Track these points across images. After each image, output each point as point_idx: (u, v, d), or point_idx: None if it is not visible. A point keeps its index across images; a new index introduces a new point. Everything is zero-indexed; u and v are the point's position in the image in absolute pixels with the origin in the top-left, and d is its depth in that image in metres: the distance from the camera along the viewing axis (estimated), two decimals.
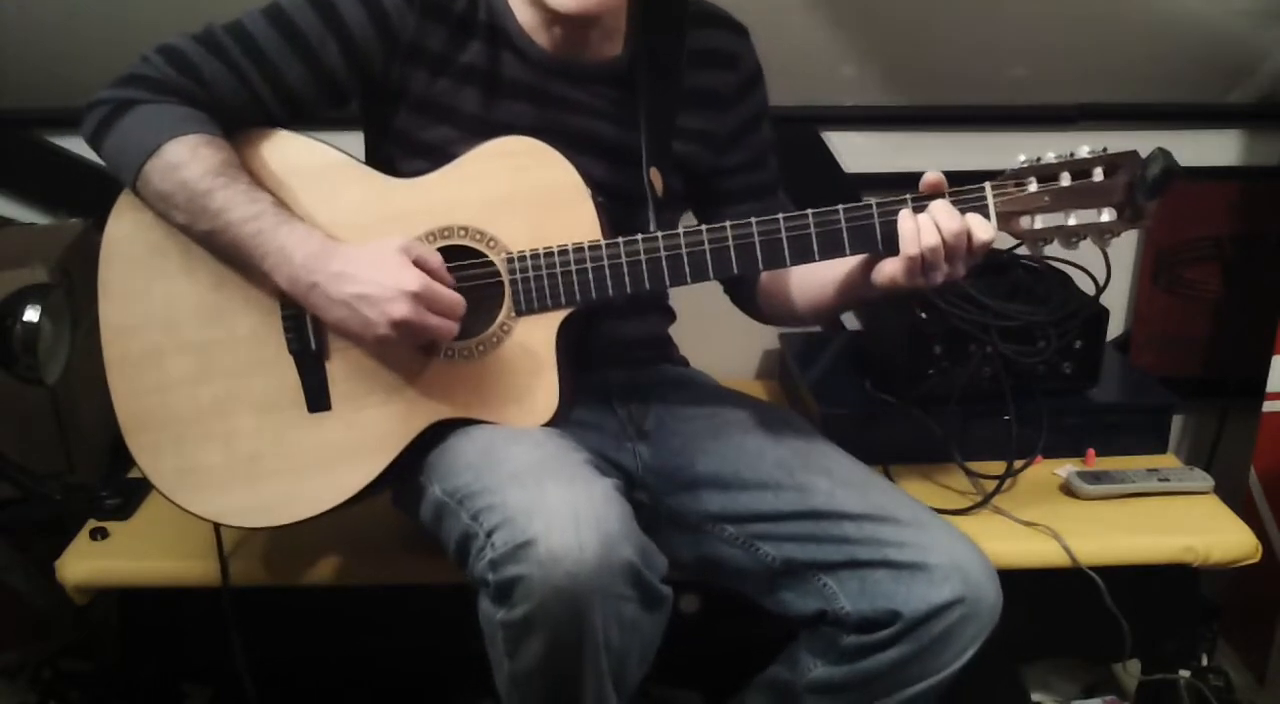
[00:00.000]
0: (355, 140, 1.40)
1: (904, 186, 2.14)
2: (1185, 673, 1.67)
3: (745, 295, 1.52)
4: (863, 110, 2.04)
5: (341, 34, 1.28)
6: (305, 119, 1.34)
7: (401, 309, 1.19)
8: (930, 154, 2.04)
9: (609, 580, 1.10)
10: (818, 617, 1.32)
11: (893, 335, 1.75)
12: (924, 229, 1.18)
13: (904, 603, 1.24)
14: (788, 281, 1.43)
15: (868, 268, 1.26)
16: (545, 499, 1.12)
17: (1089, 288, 1.73)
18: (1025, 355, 1.70)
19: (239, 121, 1.30)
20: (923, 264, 1.19)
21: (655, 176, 1.36)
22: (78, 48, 1.77)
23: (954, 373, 1.70)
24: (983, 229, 1.19)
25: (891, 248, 1.21)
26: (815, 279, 1.38)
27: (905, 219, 1.19)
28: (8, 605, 1.82)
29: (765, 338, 2.12)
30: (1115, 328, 2.12)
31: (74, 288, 1.60)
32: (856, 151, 2.06)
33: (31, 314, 1.49)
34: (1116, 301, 2.14)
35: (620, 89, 1.36)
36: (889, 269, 1.21)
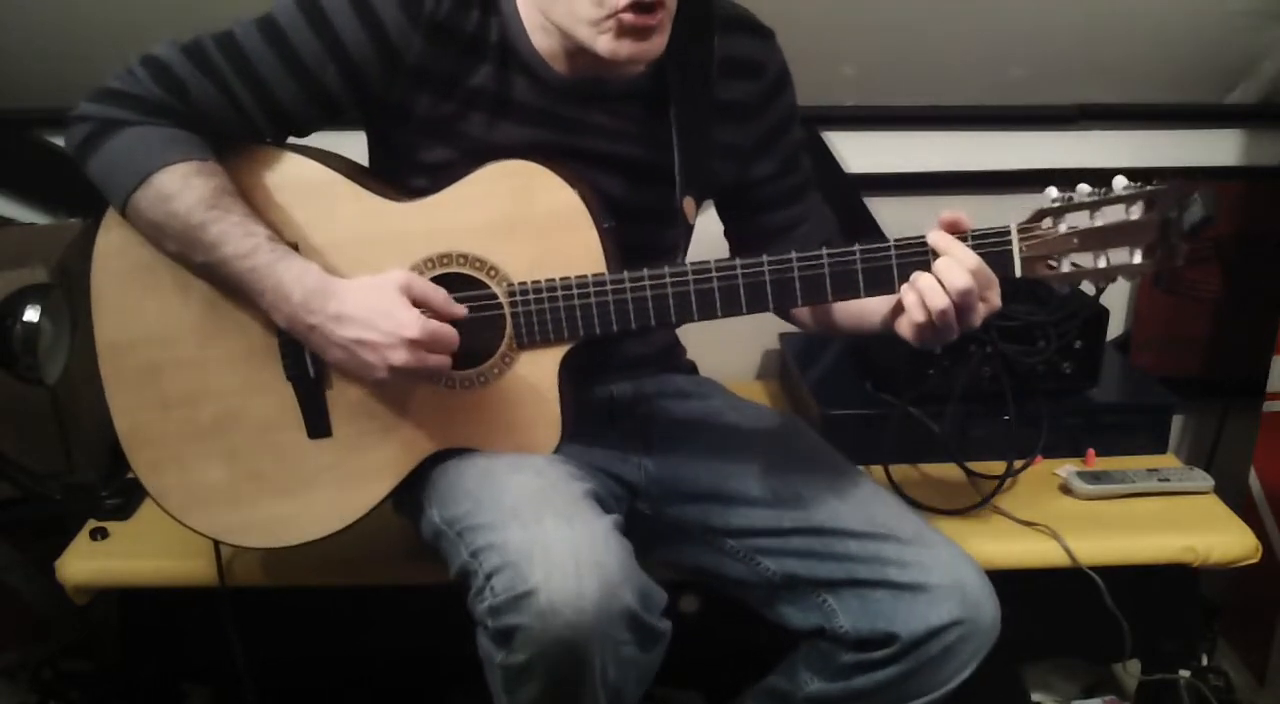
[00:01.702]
0: (358, 140, 1.38)
1: (904, 186, 2.15)
2: (1185, 673, 1.67)
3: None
4: (863, 110, 2.04)
5: (339, 55, 1.22)
6: (297, 134, 1.31)
7: (401, 356, 1.17)
8: (930, 154, 2.04)
9: (608, 627, 1.09)
10: (816, 632, 1.32)
11: (893, 335, 1.75)
12: (928, 291, 1.12)
13: (903, 624, 1.24)
14: (823, 313, 1.39)
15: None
16: (545, 541, 1.10)
17: (1089, 288, 1.72)
18: (1025, 355, 1.70)
19: (227, 138, 1.26)
20: (933, 328, 1.14)
21: (689, 205, 1.32)
22: (78, 48, 1.77)
23: (954, 373, 1.70)
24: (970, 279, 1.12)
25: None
26: (856, 316, 1.34)
27: (906, 291, 1.14)
28: (8, 605, 1.82)
29: (765, 338, 2.12)
30: (1115, 328, 2.12)
31: (74, 288, 1.60)
32: (856, 151, 2.06)
33: (31, 314, 1.49)
34: (1116, 302, 2.13)
35: (645, 107, 1.31)
36: (902, 329, 1.17)
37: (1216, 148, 2.09)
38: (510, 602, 1.09)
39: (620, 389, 1.46)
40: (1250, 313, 2.07)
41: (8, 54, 1.86)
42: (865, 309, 1.30)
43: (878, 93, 2.02)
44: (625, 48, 1.18)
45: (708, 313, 1.22)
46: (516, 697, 1.14)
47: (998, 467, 1.65)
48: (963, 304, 1.12)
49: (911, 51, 1.94)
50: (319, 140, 1.33)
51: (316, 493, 1.31)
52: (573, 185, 1.23)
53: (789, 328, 1.53)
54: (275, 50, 1.23)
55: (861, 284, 1.18)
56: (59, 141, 1.93)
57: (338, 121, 1.31)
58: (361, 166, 1.36)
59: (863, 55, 1.94)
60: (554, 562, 1.08)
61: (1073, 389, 1.78)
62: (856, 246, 1.17)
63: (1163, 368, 2.13)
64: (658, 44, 1.20)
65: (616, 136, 1.31)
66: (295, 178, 1.28)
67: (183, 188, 1.20)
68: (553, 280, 1.23)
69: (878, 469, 1.63)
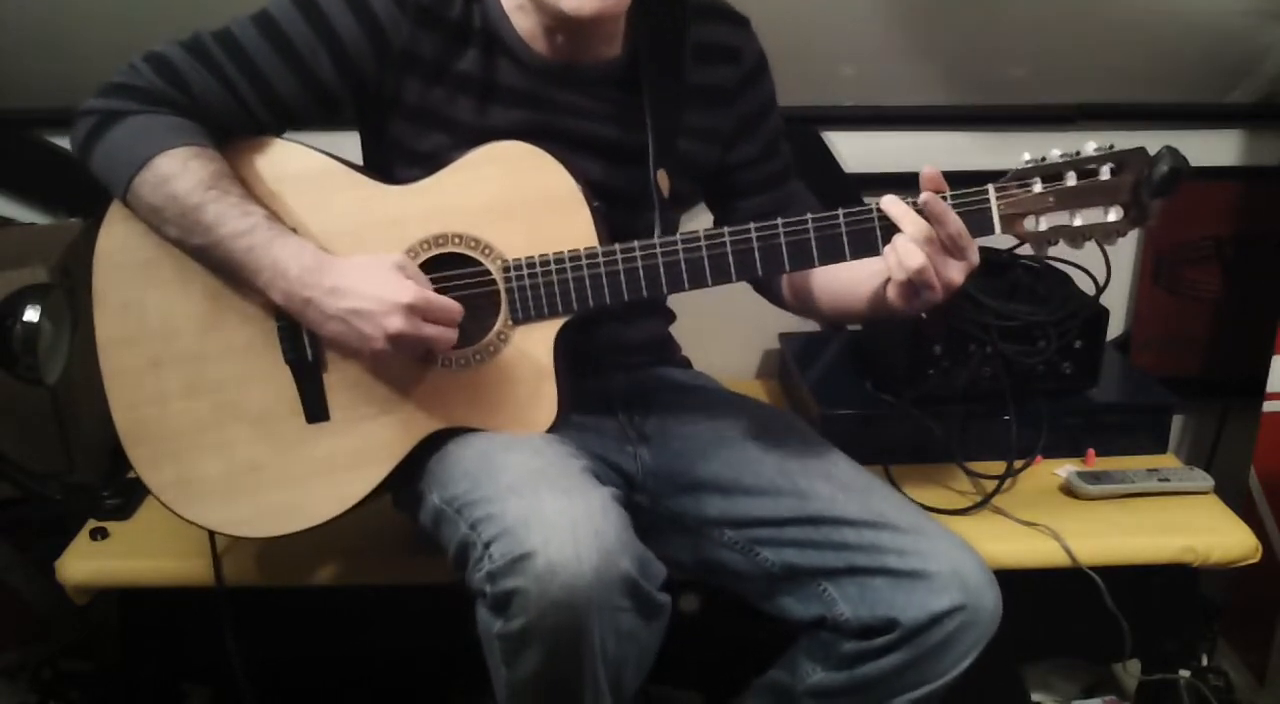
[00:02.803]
0: (352, 140, 1.39)
1: (904, 187, 2.14)
2: (1185, 673, 1.67)
3: (769, 289, 1.49)
4: (863, 110, 2.04)
5: (333, 43, 1.26)
6: (297, 128, 1.33)
7: (397, 323, 1.18)
8: (930, 154, 2.03)
9: (606, 593, 1.10)
10: (817, 622, 1.32)
11: (893, 335, 1.75)
12: (903, 251, 1.15)
13: (903, 611, 1.24)
14: (811, 289, 1.40)
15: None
16: (543, 510, 1.11)
17: (1089, 288, 1.73)
18: (1025, 355, 1.70)
19: (229, 131, 1.28)
20: (914, 287, 1.16)
21: (663, 178, 1.35)
22: (78, 48, 1.77)
23: (954, 373, 1.70)
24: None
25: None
26: (842, 289, 1.35)
27: (888, 253, 1.17)
28: (8, 605, 1.82)
29: (765, 338, 2.12)
30: (1115, 328, 2.12)
31: (74, 288, 1.60)
32: (856, 151, 2.06)
33: (31, 314, 1.49)
34: (1116, 301, 2.14)
35: (623, 90, 1.34)
36: (890, 295, 1.19)
37: (1216, 148, 2.10)
38: (509, 565, 1.09)
39: (616, 380, 1.47)
40: (1250, 313, 2.07)
41: (8, 54, 1.86)
42: (854, 282, 1.31)
43: (877, 93, 2.02)
44: (588, 2, 1.20)
45: (698, 281, 1.24)
46: (516, 670, 1.14)
47: (998, 467, 1.65)
48: (933, 254, 1.15)
49: (911, 51, 1.94)
50: (313, 140, 1.33)
51: (315, 479, 1.32)
52: (565, 165, 1.26)
53: (789, 328, 1.54)
54: (270, 41, 1.26)
55: (847, 247, 1.21)
56: (59, 141, 1.95)
57: (335, 116, 1.32)
58: (357, 163, 1.37)
59: (862, 55, 1.94)
60: (552, 528, 1.09)
61: (1073, 389, 1.78)
62: (840, 211, 1.20)
63: (1163, 368, 2.13)
64: None
65: (595, 118, 1.34)
66: (293, 166, 1.30)
67: (182, 170, 1.22)
68: (545, 255, 1.25)
69: (878, 469, 1.62)
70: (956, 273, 1.17)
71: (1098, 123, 2.04)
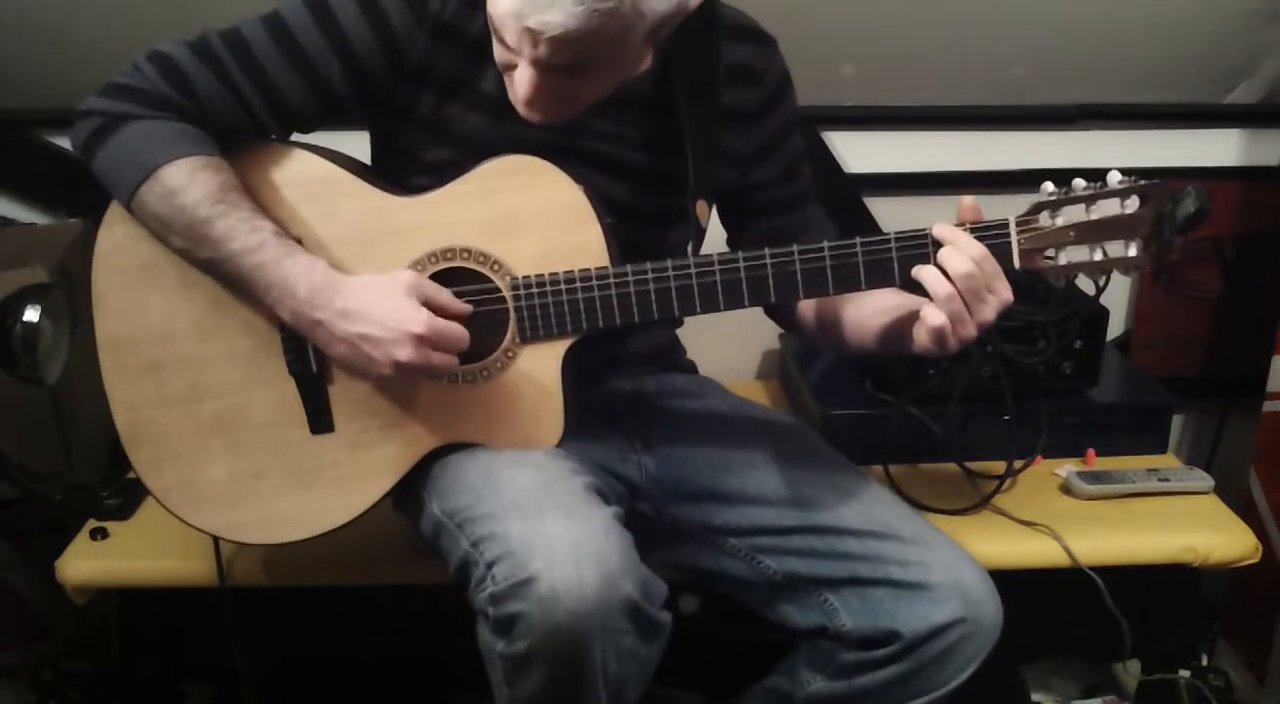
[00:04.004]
0: (358, 140, 1.38)
1: (904, 186, 2.15)
2: (1185, 673, 1.67)
3: (783, 318, 1.48)
4: (863, 110, 2.04)
5: (345, 52, 1.22)
6: (301, 132, 1.31)
7: (405, 352, 1.17)
8: (930, 154, 2.04)
9: (609, 617, 1.09)
10: (818, 631, 1.32)
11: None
12: (932, 284, 1.12)
13: (905, 623, 1.24)
14: (839, 326, 1.36)
15: (908, 328, 1.21)
16: (546, 532, 1.11)
17: (1089, 288, 1.72)
18: (1025, 355, 1.70)
19: (233, 135, 1.26)
20: (944, 319, 1.13)
21: (702, 209, 1.32)
22: (78, 48, 1.77)
23: (954, 373, 1.70)
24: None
25: (908, 282, 1.17)
26: (860, 330, 1.32)
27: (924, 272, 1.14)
28: (8, 605, 1.82)
29: (765, 338, 2.12)
30: (1115, 328, 2.12)
31: (74, 288, 1.60)
32: (856, 151, 2.06)
33: (31, 314, 1.49)
34: (1116, 302, 2.14)
35: (648, 113, 1.31)
36: (919, 335, 1.17)
37: (1216, 147, 2.09)
38: (511, 589, 1.09)
39: (620, 388, 1.46)
40: (1250, 313, 2.07)
41: (8, 54, 1.86)
42: (875, 317, 1.29)
43: (878, 93, 2.02)
44: (523, 109, 1.18)
45: (710, 305, 1.23)
46: (518, 689, 1.14)
47: (998, 467, 1.65)
48: (968, 291, 1.12)
49: (911, 51, 1.94)
50: (320, 139, 1.33)
51: (318, 489, 1.31)
52: (576, 181, 1.24)
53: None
54: (280, 46, 1.23)
55: (863, 276, 1.19)
56: (59, 141, 1.95)
57: (342, 120, 1.31)
58: (365, 164, 1.36)
59: (863, 55, 1.94)
60: (555, 551, 1.09)
61: (1073, 389, 1.78)
62: (857, 239, 1.19)
63: (1163, 368, 2.13)
64: (560, 117, 1.19)
65: (619, 141, 1.31)
66: (300, 173, 1.28)
67: (189, 182, 1.20)
68: (556, 274, 1.24)
69: (878, 469, 1.63)
70: (989, 309, 1.14)
71: (1098, 123, 2.04)
